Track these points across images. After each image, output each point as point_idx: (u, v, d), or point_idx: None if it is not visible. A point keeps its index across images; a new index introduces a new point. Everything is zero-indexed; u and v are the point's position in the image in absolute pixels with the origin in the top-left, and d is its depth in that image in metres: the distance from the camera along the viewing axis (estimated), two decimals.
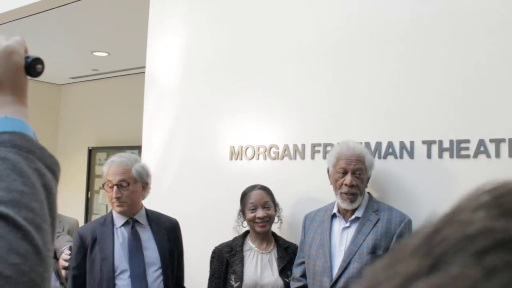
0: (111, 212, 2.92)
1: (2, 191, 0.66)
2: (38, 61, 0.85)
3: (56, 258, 2.92)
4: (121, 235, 2.82)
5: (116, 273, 2.72)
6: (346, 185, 2.63)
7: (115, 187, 2.78)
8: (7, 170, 0.68)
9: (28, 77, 0.85)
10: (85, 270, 2.76)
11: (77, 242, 2.80)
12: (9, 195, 0.66)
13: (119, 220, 2.85)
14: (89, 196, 7.14)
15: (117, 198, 2.77)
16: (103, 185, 3.01)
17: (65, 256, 2.88)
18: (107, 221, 2.85)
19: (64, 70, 6.84)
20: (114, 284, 2.70)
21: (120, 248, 2.78)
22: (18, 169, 0.69)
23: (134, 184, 2.82)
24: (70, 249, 2.87)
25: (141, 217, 2.88)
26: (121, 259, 2.75)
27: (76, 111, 7.61)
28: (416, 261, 0.34)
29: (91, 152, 7.17)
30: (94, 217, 7.04)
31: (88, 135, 7.23)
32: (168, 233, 2.90)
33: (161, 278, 2.80)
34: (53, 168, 0.75)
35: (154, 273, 2.79)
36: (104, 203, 7.01)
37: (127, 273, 2.73)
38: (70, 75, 7.30)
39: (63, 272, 2.90)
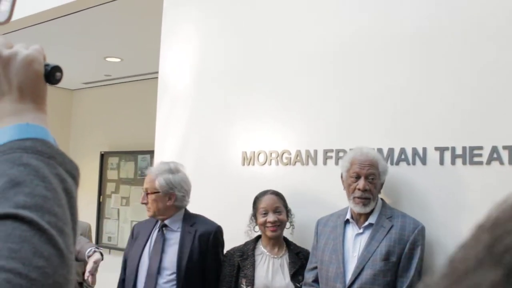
0: None
1: (26, 196, 0.67)
2: (57, 69, 0.86)
3: (76, 259, 3.00)
4: (154, 235, 3.10)
5: (140, 267, 3.02)
6: (359, 189, 2.64)
7: (143, 194, 3.11)
8: (30, 175, 0.70)
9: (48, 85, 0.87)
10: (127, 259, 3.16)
11: (131, 234, 3.29)
12: (32, 200, 0.67)
13: (158, 222, 3.14)
14: (101, 200, 7.18)
15: (144, 204, 3.09)
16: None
17: (89, 267, 3.16)
18: (153, 221, 3.17)
19: (77, 75, 6.89)
20: (136, 278, 3.02)
21: (149, 246, 3.07)
22: (40, 175, 0.71)
23: (157, 194, 3.05)
24: (95, 261, 3.19)
25: (173, 222, 3.09)
26: (146, 256, 3.04)
27: (88, 116, 7.65)
28: (488, 272, 0.35)
29: (103, 157, 7.20)
30: (105, 221, 7.08)
31: (101, 140, 7.27)
32: (198, 242, 3.01)
33: (173, 282, 2.92)
34: (73, 173, 0.77)
35: (167, 277, 2.94)
36: (116, 207, 7.05)
37: (146, 271, 3.00)
38: (82, 81, 7.35)
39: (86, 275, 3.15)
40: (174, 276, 2.93)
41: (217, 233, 3.09)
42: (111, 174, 7.18)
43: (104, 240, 7.05)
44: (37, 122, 0.80)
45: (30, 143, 0.75)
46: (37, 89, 0.83)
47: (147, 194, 3.08)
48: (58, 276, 0.63)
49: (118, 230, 6.99)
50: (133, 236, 3.23)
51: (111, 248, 6.96)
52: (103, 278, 4.32)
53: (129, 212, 6.90)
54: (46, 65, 0.86)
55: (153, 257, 3.01)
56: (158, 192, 3.05)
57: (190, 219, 3.10)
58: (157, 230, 3.11)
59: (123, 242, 6.85)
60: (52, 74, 0.86)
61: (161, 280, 2.95)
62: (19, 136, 0.76)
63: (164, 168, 3.13)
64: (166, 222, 3.09)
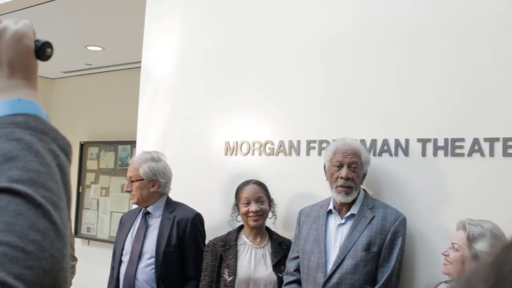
0: None
1: (20, 171, 0.67)
2: (47, 44, 0.85)
3: None
4: (137, 223, 3.23)
5: (123, 255, 3.17)
6: (341, 177, 2.65)
7: (126, 182, 3.26)
8: (23, 150, 0.69)
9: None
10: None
11: (119, 223, 3.41)
12: (26, 175, 0.67)
13: (142, 211, 3.27)
14: (80, 190, 7.11)
15: (128, 192, 3.23)
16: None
17: None
18: (137, 209, 3.34)
19: (57, 64, 6.80)
20: (120, 263, 3.18)
21: (132, 233, 3.21)
22: (33, 150, 0.70)
23: (142, 181, 3.18)
24: None
25: (156, 209, 3.21)
26: (129, 244, 3.18)
27: (68, 105, 7.57)
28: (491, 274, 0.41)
29: (82, 147, 7.14)
30: (85, 212, 7.02)
31: (80, 130, 7.20)
32: (176, 227, 3.11)
33: (152, 266, 3.06)
34: (66, 149, 0.77)
35: (147, 261, 3.08)
36: (95, 197, 6.99)
37: (128, 256, 3.14)
38: (63, 69, 7.26)
39: None
40: (153, 260, 3.06)
41: (195, 219, 3.17)
42: (90, 164, 7.11)
43: (83, 230, 6.99)
44: (29, 97, 0.79)
45: (22, 119, 0.74)
46: (27, 65, 0.83)
47: (132, 181, 3.20)
48: (55, 250, 0.63)
49: (98, 221, 6.94)
50: (120, 225, 3.37)
51: (90, 239, 6.91)
52: (82, 269, 4.29)
53: (109, 202, 6.85)
54: (36, 40, 0.85)
55: (135, 243, 3.14)
56: (142, 179, 3.18)
57: (171, 206, 3.22)
58: (140, 217, 3.24)
59: (103, 233, 6.82)
60: (43, 50, 0.85)
61: (141, 265, 3.08)
62: (11, 111, 0.75)
63: (147, 156, 3.25)
64: (149, 209, 3.20)
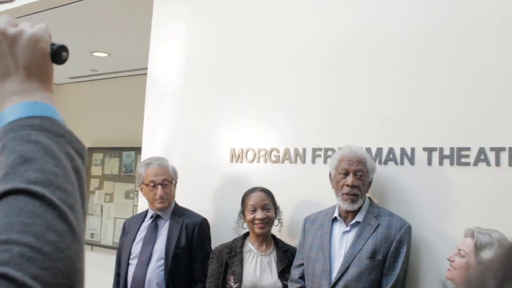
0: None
1: (36, 172, 0.67)
2: (63, 48, 0.86)
3: None
4: (145, 228, 3.25)
5: (130, 258, 3.20)
6: (347, 185, 2.66)
7: (159, 186, 3.17)
8: (39, 152, 0.70)
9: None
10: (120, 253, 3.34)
11: (122, 230, 3.42)
12: (43, 176, 0.67)
13: (149, 214, 3.30)
14: (86, 186, 7.12)
15: (161, 196, 3.17)
16: (141, 187, 3.32)
17: None
18: (142, 215, 3.36)
19: (63, 69, 6.82)
20: (127, 267, 3.20)
21: (140, 238, 3.23)
22: (50, 152, 0.71)
23: (172, 183, 3.26)
24: None
25: (166, 213, 3.26)
26: (137, 247, 3.21)
27: (73, 111, 7.58)
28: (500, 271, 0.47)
29: (87, 153, 7.15)
30: (88, 218, 7.02)
31: (85, 136, 7.20)
32: (185, 230, 3.16)
33: (162, 268, 3.10)
34: (81, 152, 0.77)
35: (156, 263, 3.12)
36: (99, 203, 7.00)
37: (137, 259, 3.17)
38: (68, 75, 7.29)
39: None
40: (162, 261, 3.11)
41: (202, 224, 3.24)
42: (95, 170, 7.13)
43: (87, 236, 6.99)
44: (45, 100, 0.80)
45: (39, 121, 0.74)
46: (43, 68, 0.83)
47: (164, 185, 3.19)
48: (71, 251, 0.63)
49: (101, 227, 6.95)
50: (124, 231, 3.38)
51: (94, 245, 6.91)
52: (86, 275, 4.29)
53: (113, 208, 6.85)
54: (52, 44, 0.85)
55: (145, 245, 3.18)
56: (173, 180, 3.26)
57: (179, 211, 3.27)
58: (149, 221, 3.27)
59: (106, 239, 6.82)
60: (58, 54, 0.85)
61: (151, 266, 3.12)
62: (27, 114, 0.75)
63: (164, 158, 3.33)
64: (160, 213, 3.25)
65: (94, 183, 7.11)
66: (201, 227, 3.23)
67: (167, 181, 3.21)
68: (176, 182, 3.29)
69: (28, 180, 0.66)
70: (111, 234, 6.82)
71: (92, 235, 7.00)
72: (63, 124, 0.78)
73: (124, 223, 3.45)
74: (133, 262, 3.18)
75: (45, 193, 0.65)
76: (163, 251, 3.13)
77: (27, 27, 0.83)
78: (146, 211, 3.36)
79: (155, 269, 3.10)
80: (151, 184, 3.20)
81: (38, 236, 0.61)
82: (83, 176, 0.75)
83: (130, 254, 3.21)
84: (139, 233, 3.26)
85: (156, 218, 3.25)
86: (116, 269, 3.35)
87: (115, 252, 6.48)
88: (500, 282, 0.52)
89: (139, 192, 3.92)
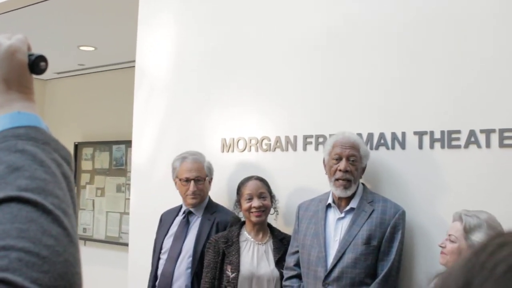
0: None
1: (27, 180, 0.68)
2: (41, 58, 0.86)
3: None
4: (178, 222, 3.24)
5: (162, 252, 3.20)
6: (340, 170, 2.66)
7: (192, 182, 3.14)
8: (27, 160, 0.70)
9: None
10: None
11: (159, 221, 3.38)
12: (33, 183, 0.68)
13: (182, 210, 3.28)
14: (75, 191, 7.09)
15: (193, 192, 3.14)
16: (175, 181, 3.28)
17: None
18: (177, 209, 3.33)
19: (49, 65, 6.72)
20: (158, 261, 3.20)
21: (171, 233, 3.23)
22: (38, 160, 0.71)
23: (206, 180, 3.22)
24: None
25: (199, 209, 3.23)
26: (168, 242, 3.20)
27: (61, 106, 7.54)
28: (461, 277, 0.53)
29: (77, 148, 7.11)
30: (80, 213, 7.00)
31: (74, 131, 7.17)
32: (216, 227, 3.13)
33: (190, 265, 3.09)
34: (68, 159, 0.78)
35: (184, 260, 3.11)
36: (91, 198, 6.97)
37: (167, 254, 3.17)
38: (55, 70, 7.23)
39: None
40: (190, 259, 3.10)
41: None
42: (85, 165, 7.09)
43: (79, 231, 6.96)
44: (27, 110, 0.80)
45: (24, 131, 0.75)
46: (22, 80, 0.84)
47: (197, 181, 3.16)
48: (68, 254, 0.64)
49: (93, 221, 6.93)
50: (160, 224, 3.37)
51: (86, 239, 6.89)
52: None
53: (104, 203, 6.84)
54: (30, 55, 0.85)
55: (175, 241, 3.18)
56: (207, 177, 3.22)
57: (212, 207, 3.24)
58: (181, 216, 3.26)
59: (99, 233, 6.81)
60: (36, 64, 0.85)
61: (179, 263, 3.11)
62: (12, 124, 0.76)
63: (200, 154, 3.27)
64: (192, 208, 3.22)
65: (84, 177, 7.09)
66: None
67: (200, 177, 3.18)
68: (211, 179, 3.26)
69: (20, 187, 0.66)
70: (103, 229, 6.81)
71: (84, 229, 6.98)
72: (48, 132, 0.78)
73: (161, 215, 3.40)
74: (164, 257, 3.18)
75: (38, 199, 0.66)
76: (191, 248, 3.12)
77: (4, 39, 0.84)
78: (180, 205, 3.33)
79: (183, 267, 3.10)
80: (184, 179, 3.17)
81: (35, 241, 0.61)
82: (72, 181, 0.76)
83: (161, 249, 3.21)
84: (172, 227, 3.25)
85: (188, 214, 3.24)
86: (153, 260, 3.32)
87: (108, 246, 6.55)
88: None
89: (131, 185, 3.93)
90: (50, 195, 0.68)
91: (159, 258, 3.20)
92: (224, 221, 3.17)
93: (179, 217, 3.26)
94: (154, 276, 3.19)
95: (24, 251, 0.60)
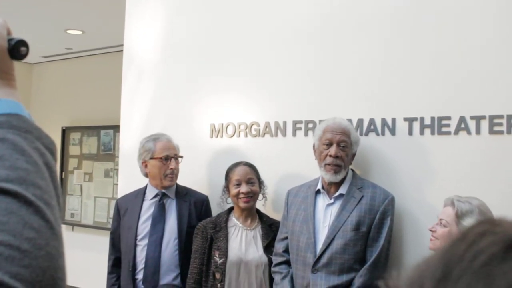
0: (145, 186, 3.25)
1: (7, 170, 0.65)
2: (22, 43, 0.82)
3: None
4: (149, 207, 3.17)
5: (138, 239, 3.10)
6: (330, 155, 2.65)
7: (172, 160, 3.13)
8: (8, 150, 0.67)
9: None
10: (120, 235, 3.21)
11: (115, 211, 3.31)
12: (14, 173, 0.65)
13: (150, 193, 3.21)
14: (63, 176, 7.04)
15: (174, 170, 3.13)
16: (146, 163, 3.20)
17: None
18: (139, 194, 3.24)
19: (36, 48, 6.68)
20: (135, 248, 3.10)
21: (145, 217, 3.14)
22: (19, 149, 0.68)
23: (180, 158, 3.22)
24: None
25: (171, 191, 3.20)
26: (144, 227, 3.12)
27: (49, 91, 7.47)
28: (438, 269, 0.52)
29: (64, 132, 7.05)
30: (68, 198, 6.97)
31: (62, 115, 7.11)
32: (194, 208, 3.15)
33: (176, 248, 3.08)
34: (51, 148, 0.75)
35: (170, 243, 3.09)
36: (79, 183, 6.93)
37: (146, 240, 3.09)
38: (42, 54, 7.14)
39: None
40: (176, 241, 3.08)
41: (208, 201, 3.29)
42: (73, 150, 7.04)
43: (67, 216, 6.94)
44: (8, 97, 0.77)
45: (5, 118, 0.72)
46: (2, 66, 0.80)
47: (176, 159, 3.16)
48: (50, 247, 0.62)
49: (82, 207, 6.89)
50: (119, 212, 3.26)
51: (74, 224, 6.86)
52: (67, 255, 4.26)
53: (92, 188, 6.80)
54: (10, 39, 0.81)
55: (155, 225, 3.10)
56: (181, 156, 3.21)
57: (182, 190, 3.24)
58: (153, 200, 3.18)
59: (87, 219, 6.78)
60: (17, 49, 0.82)
61: (164, 246, 3.07)
62: None
63: (167, 135, 3.25)
64: (165, 191, 3.18)
65: (72, 162, 7.04)
66: (207, 204, 3.25)
67: (177, 155, 3.18)
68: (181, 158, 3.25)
69: None
70: (91, 214, 6.78)
71: (72, 215, 6.95)
72: (30, 120, 0.75)
73: (117, 203, 3.32)
74: (142, 243, 3.10)
75: (18, 190, 0.63)
76: (175, 230, 3.09)
77: None
78: (142, 190, 3.25)
79: (169, 249, 3.07)
80: (164, 158, 3.12)
81: (15, 234, 0.59)
82: (55, 171, 0.73)
83: (136, 235, 3.12)
84: (143, 212, 3.16)
85: (162, 197, 3.17)
86: (114, 252, 3.25)
87: (96, 231, 6.53)
88: (437, 282, 0.51)
89: (119, 170, 3.89)
90: (31, 185, 0.65)
91: (135, 245, 3.10)
92: (200, 200, 3.22)
93: (149, 201, 3.19)
94: (132, 265, 3.08)
95: (3, 244, 0.57)
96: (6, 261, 0.56)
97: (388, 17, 2.90)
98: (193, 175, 3.45)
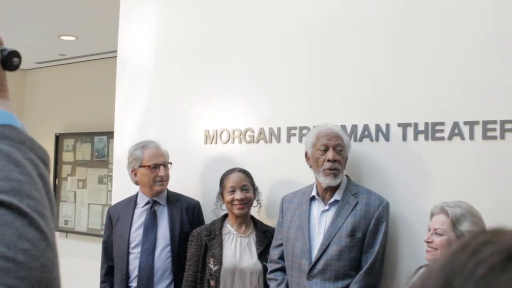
0: (136, 193, 3.25)
1: (1, 181, 0.64)
2: (14, 54, 0.81)
3: None
4: (140, 214, 3.17)
5: (130, 247, 3.10)
6: (329, 160, 2.65)
7: (161, 167, 3.13)
8: (1, 161, 0.66)
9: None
10: (112, 243, 3.21)
11: (107, 219, 3.30)
12: (8, 184, 0.64)
13: (142, 201, 3.21)
14: (56, 183, 7.02)
15: (163, 177, 3.13)
16: (135, 171, 3.20)
17: None
18: (131, 201, 3.24)
19: (29, 54, 6.67)
20: (128, 256, 3.09)
21: (137, 225, 3.14)
22: (13, 159, 0.67)
23: (169, 165, 3.24)
24: None
25: (162, 198, 3.21)
26: (136, 235, 3.12)
27: (42, 97, 7.45)
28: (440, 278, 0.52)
29: (58, 139, 7.03)
30: (62, 205, 6.94)
31: (55, 122, 7.09)
32: (186, 214, 3.15)
33: (169, 255, 3.08)
34: (44, 159, 0.74)
35: (163, 250, 3.09)
36: (72, 190, 6.90)
37: (139, 248, 3.09)
38: (36, 60, 7.12)
39: None
40: (168, 248, 3.08)
41: (199, 206, 3.28)
42: (66, 156, 7.01)
43: (61, 223, 6.91)
44: (1, 108, 0.76)
45: None
46: None
47: (165, 166, 3.17)
48: (45, 259, 0.61)
49: (75, 213, 6.86)
50: (111, 220, 3.26)
51: (68, 231, 6.83)
52: (61, 262, 4.23)
53: (86, 194, 6.77)
54: (2, 50, 0.81)
55: (148, 233, 3.11)
56: (170, 162, 3.22)
57: (173, 196, 3.24)
58: (144, 207, 3.19)
59: (81, 226, 6.75)
60: (9, 60, 0.80)
61: (157, 253, 3.07)
62: None
63: (156, 142, 3.26)
64: (156, 198, 3.19)
65: (66, 169, 7.01)
66: (199, 210, 3.25)
67: (166, 162, 3.19)
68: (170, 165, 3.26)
69: None
70: (85, 221, 6.75)
71: (66, 222, 6.92)
72: (23, 131, 0.75)
73: (109, 212, 3.33)
74: (135, 251, 3.10)
75: (13, 201, 0.62)
76: (167, 237, 3.09)
77: None
78: (134, 198, 3.25)
79: (162, 257, 3.07)
80: (153, 166, 3.12)
81: (10, 245, 0.58)
82: (49, 182, 0.72)
83: (129, 243, 3.11)
84: (135, 220, 3.17)
85: (153, 204, 3.18)
86: (107, 261, 3.24)
87: (90, 238, 6.49)
88: None
89: (113, 177, 3.88)
90: (26, 196, 0.64)
91: (128, 253, 3.10)
92: (191, 206, 3.22)
93: (140, 209, 3.19)
94: (125, 273, 3.08)
95: None
96: (1, 273, 0.55)
97: (382, 24, 2.91)
98: (188, 182, 3.44)
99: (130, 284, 3.08)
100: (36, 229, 0.62)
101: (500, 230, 0.55)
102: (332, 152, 2.66)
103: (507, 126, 2.55)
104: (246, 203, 2.92)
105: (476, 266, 0.50)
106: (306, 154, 2.80)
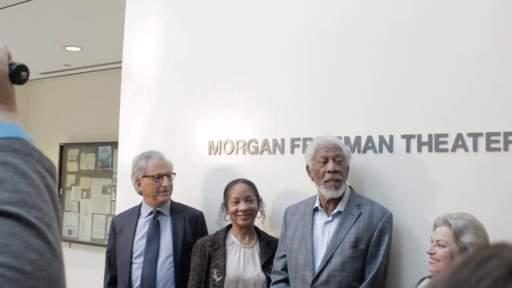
0: (140, 204, 3.27)
1: (9, 193, 0.66)
2: (22, 68, 0.83)
3: None
4: (144, 224, 3.18)
5: (133, 257, 3.11)
6: (329, 171, 2.65)
7: (165, 177, 3.15)
8: (9, 173, 0.68)
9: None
10: (115, 253, 3.22)
11: (111, 229, 3.32)
12: (16, 196, 0.66)
13: (145, 211, 3.22)
14: (60, 193, 7.03)
15: (167, 187, 3.15)
16: (139, 181, 3.22)
17: None
18: (135, 211, 3.26)
19: (35, 65, 6.71)
20: (130, 266, 3.10)
21: (140, 235, 3.15)
22: (21, 172, 0.69)
23: (173, 175, 3.24)
24: None
25: (165, 208, 3.22)
26: (139, 245, 3.12)
27: (47, 107, 7.49)
28: None
29: (62, 149, 7.06)
30: (66, 214, 6.95)
31: (60, 132, 7.12)
32: (189, 224, 3.16)
33: (172, 265, 3.08)
34: (51, 171, 0.76)
35: (166, 260, 3.09)
36: (76, 200, 6.92)
37: (142, 258, 3.09)
38: (41, 71, 7.17)
39: None
40: (171, 258, 3.09)
41: (203, 217, 3.28)
42: (71, 166, 7.04)
43: (65, 233, 6.93)
44: (9, 121, 0.78)
45: (5, 142, 0.73)
46: (3, 90, 0.81)
47: (169, 176, 3.18)
48: (52, 269, 0.62)
49: (79, 223, 6.88)
50: (115, 230, 3.27)
51: (71, 241, 6.84)
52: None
53: (90, 204, 6.79)
54: (11, 64, 0.82)
55: (151, 243, 3.12)
56: (173, 174, 3.23)
57: (177, 206, 3.24)
58: (148, 217, 3.20)
59: (84, 235, 6.75)
60: (17, 74, 0.82)
61: (160, 263, 3.08)
62: None
63: (160, 152, 3.28)
64: (160, 208, 3.20)
65: (70, 179, 7.04)
66: (202, 220, 3.25)
67: (170, 172, 3.20)
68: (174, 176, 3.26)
69: (1, 201, 0.64)
70: (89, 230, 6.76)
71: (70, 231, 6.93)
72: (31, 143, 0.76)
73: (113, 222, 3.33)
74: (138, 261, 3.10)
75: (20, 212, 0.64)
76: (170, 247, 3.10)
77: None
78: (137, 208, 3.26)
79: (165, 268, 3.07)
80: (156, 176, 3.14)
81: (18, 256, 0.59)
82: (55, 194, 0.74)
83: (132, 253, 3.12)
84: (138, 230, 3.18)
85: (156, 214, 3.19)
86: (110, 271, 3.25)
87: (94, 248, 6.50)
88: None
89: (117, 187, 3.89)
90: (33, 208, 0.66)
91: (131, 263, 3.11)
92: (195, 216, 3.23)
93: (144, 219, 3.20)
94: (128, 283, 3.08)
95: (6, 266, 0.58)
96: (9, 283, 0.56)
97: (384, 35, 2.92)
98: (192, 192, 3.45)
99: None
100: (43, 240, 0.63)
101: (504, 245, 0.56)
102: (332, 163, 2.67)
103: (511, 138, 2.55)
104: (250, 214, 2.93)
105: (480, 280, 0.51)
106: (307, 167, 2.81)
